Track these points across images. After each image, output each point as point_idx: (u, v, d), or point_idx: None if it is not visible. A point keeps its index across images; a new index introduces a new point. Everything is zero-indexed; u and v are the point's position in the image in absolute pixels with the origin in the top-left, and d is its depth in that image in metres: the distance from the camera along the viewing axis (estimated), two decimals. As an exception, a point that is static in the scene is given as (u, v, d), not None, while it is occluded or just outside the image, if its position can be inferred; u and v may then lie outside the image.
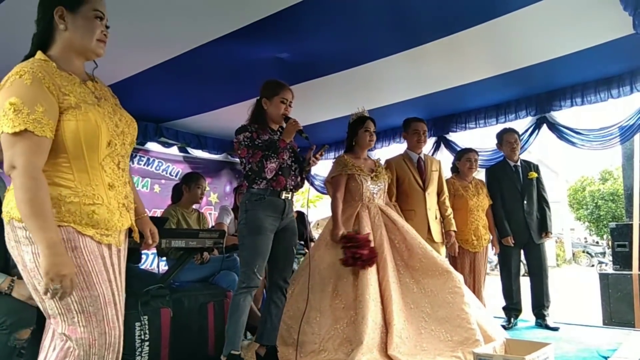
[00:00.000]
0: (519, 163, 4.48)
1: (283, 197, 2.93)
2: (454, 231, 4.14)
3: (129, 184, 1.77)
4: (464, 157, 4.55)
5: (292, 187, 2.99)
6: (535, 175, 4.45)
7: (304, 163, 3.06)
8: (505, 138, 4.48)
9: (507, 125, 4.89)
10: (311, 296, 3.25)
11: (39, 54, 1.58)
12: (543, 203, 4.44)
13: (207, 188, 4.61)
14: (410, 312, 3.15)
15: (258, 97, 3.08)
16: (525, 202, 4.35)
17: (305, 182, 3.37)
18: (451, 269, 3.33)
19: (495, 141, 4.69)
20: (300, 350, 3.04)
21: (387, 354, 2.86)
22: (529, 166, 4.51)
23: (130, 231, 1.78)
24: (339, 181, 3.57)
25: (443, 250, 4.11)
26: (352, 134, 3.70)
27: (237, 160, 4.97)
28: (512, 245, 4.32)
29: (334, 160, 3.80)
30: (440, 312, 3.10)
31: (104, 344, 1.51)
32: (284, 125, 2.99)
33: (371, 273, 3.20)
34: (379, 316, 3.05)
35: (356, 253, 3.19)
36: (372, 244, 3.26)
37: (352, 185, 3.57)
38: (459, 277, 3.28)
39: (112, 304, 1.56)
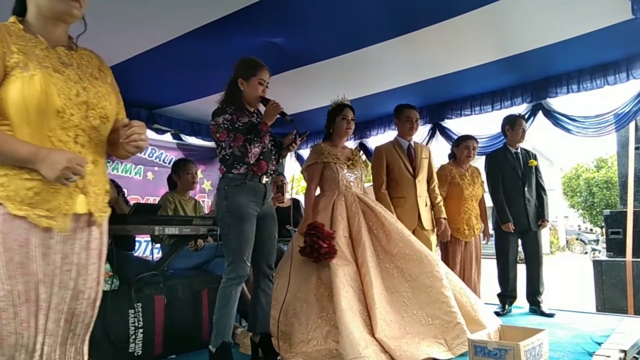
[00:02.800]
0: (519, 150, 4.47)
1: (264, 182, 2.85)
2: (444, 218, 4.14)
3: (98, 164, 1.58)
4: (462, 144, 4.52)
5: (272, 172, 2.92)
6: (535, 163, 4.45)
7: (282, 148, 2.99)
8: (518, 123, 4.45)
9: (503, 112, 4.87)
10: (296, 287, 3.25)
11: (12, 18, 1.52)
12: (541, 191, 4.44)
13: (201, 175, 4.58)
14: (391, 296, 3.14)
15: (232, 76, 2.91)
16: (525, 189, 4.35)
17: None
18: (428, 253, 3.34)
19: (494, 126, 4.66)
20: (289, 342, 3.03)
21: (374, 337, 2.84)
22: (528, 154, 4.50)
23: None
24: (314, 170, 3.56)
25: (433, 237, 4.11)
26: (330, 122, 3.67)
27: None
28: (512, 231, 4.32)
29: (310, 148, 3.78)
30: (420, 297, 3.10)
31: (13, 344, 1.37)
32: (260, 107, 2.89)
33: (340, 262, 3.18)
34: (355, 302, 3.03)
35: (316, 243, 3.17)
36: (334, 242, 3.24)
37: (328, 174, 3.56)
38: (436, 260, 3.30)
39: (29, 302, 1.40)
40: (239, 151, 2.73)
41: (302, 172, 3.81)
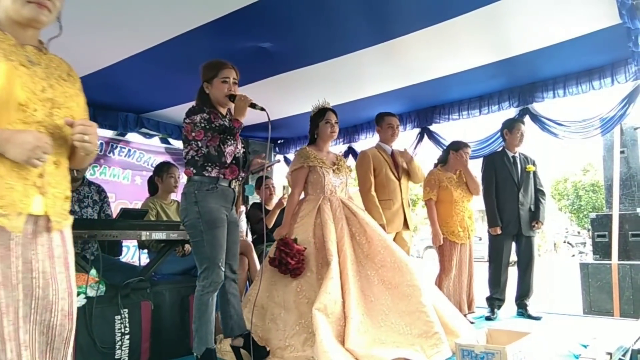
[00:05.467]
0: (517, 154, 4.49)
1: (232, 187, 2.83)
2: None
3: (60, 166, 1.51)
4: (462, 150, 4.46)
5: (241, 178, 2.90)
6: (532, 168, 4.45)
7: (246, 164, 2.98)
8: (516, 128, 4.46)
9: (491, 116, 4.91)
10: (274, 292, 3.24)
11: None
12: (539, 194, 4.45)
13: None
14: (370, 305, 3.12)
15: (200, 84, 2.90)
16: (520, 193, 4.37)
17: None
18: (409, 261, 3.32)
19: (487, 130, 4.69)
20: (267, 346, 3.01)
21: (345, 348, 2.82)
22: (526, 159, 4.51)
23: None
24: (299, 175, 3.53)
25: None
26: (313, 127, 3.64)
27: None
28: (499, 234, 4.34)
29: (295, 153, 3.77)
30: (400, 305, 3.07)
31: None
32: (231, 107, 2.85)
33: (334, 267, 3.16)
34: (339, 308, 3.01)
35: (284, 259, 3.17)
36: (303, 259, 3.22)
37: (314, 178, 3.52)
38: (416, 269, 3.27)
39: None
40: (215, 151, 2.70)
41: (286, 176, 3.78)
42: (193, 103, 4.75)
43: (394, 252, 3.31)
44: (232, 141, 2.71)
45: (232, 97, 2.81)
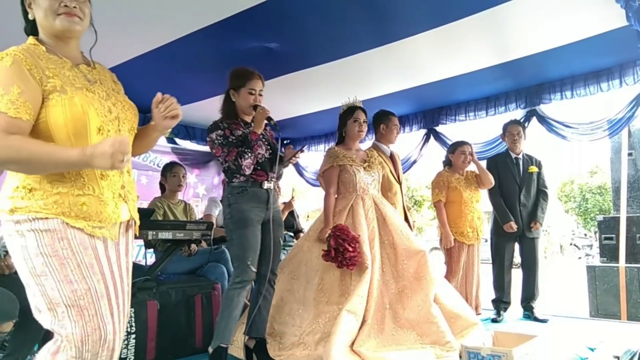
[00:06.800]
0: (520, 156, 4.46)
1: (265, 187, 2.87)
2: (413, 222, 4.13)
3: (129, 173, 1.68)
4: (458, 150, 4.49)
5: (273, 178, 2.92)
6: (535, 169, 4.42)
7: (283, 161, 3.00)
8: (508, 130, 4.46)
9: (497, 118, 4.89)
10: (295, 287, 3.22)
11: (30, 39, 1.55)
12: (540, 195, 4.41)
13: (195, 179, 4.55)
14: (384, 312, 3.12)
15: (227, 88, 2.95)
16: (522, 194, 4.35)
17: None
18: (428, 272, 3.22)
19: (489, 132, 4.69)
20: (280, 342, 3.02)
21: (352, 350, 2.82)
22: (530, 160, 4.48)
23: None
24: (331, 174, 3.48)
25: None
26: (342, 125, 3.60)
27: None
28: (515, 230, 4.31)
29: (324, 153, 3.74)
30: (411, 315, 3.07)
31: (98, 340, 1.42)
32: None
33: (369, 272, 3.11)
34: (363, 310, 3.01)
35: (341, 246, 3.05)
36: (358, 247, 3.12)
37: (345, 177, 3.48)
38: (433, 280, 3.20)
39: (104, 299, 1.46)
40: (234, 165, 2.75)
41: (318, 177, 3.72)
42: (200, 103, 4.82)
43: (417, 263, 3.25)
44: (250, 153, 2.75)
45: (254, 107, 2.86)
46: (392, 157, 4.12)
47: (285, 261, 3.46)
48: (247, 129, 2.86)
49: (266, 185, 2.87)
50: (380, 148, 4.08)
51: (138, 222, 1.71)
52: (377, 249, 3.30)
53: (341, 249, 3.06)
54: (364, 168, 3.52)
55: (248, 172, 2.77)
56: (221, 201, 2.90)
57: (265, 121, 2.83)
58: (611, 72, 4.23)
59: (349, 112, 3.56)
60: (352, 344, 2.86)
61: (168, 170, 4.20)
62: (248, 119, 2.93)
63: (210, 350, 2.75)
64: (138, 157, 5.83)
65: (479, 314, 4.22)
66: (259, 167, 2.84)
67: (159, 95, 1.67)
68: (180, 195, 4.29)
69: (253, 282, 2.95)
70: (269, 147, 2.94)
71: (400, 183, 4.06)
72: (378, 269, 3.22)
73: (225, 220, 2.86)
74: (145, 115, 5.87)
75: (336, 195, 3.53)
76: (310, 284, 3.22)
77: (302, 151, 3.10)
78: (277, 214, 3.00)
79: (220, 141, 2.77)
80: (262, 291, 2.93)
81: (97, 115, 1.50)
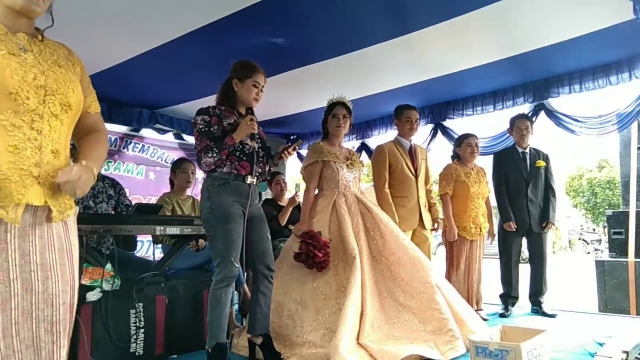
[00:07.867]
0: (527, 150, 4.43)
1: (248, 182, 2.79)
2: (441, 219, 4.20)
3: (58, 156, 1.47)
4: (464, 143, 4.46)
5: (257, 174, 2.85)
6: (542, 164, 4.40)
7: (274, 157, 2.96)
8: (517, 124, 4.44)
9: (505, 112, 4.86)
10: (291, 289, 3.23)
11: None
12: (549, 192, 4.39)
13: (203, 175, 4.55)
14: (383, 301, 3.12)
15: (228, 77, 2.89)
16: (529, 189, 4.33)
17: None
18: (422, 258, 3.30)
19: (496, 126, 4.66)
20: (284, 344, 3.01)
21: (358, 343, 2.82)
22: (538, 154, 4.45)
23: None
24: (314, 170, 3.49)
25: (432, 237, 4.14)
26: (324, 121, 3.62)
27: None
28: (514, 230, 4.30)
29: (308, 148, 3.73)
30: (412, 302, 3.06)
31: None
32: (253, 107, 2.86)
33: (359, 262, 3.16)
34: (359, 302, 3.02)
35: (311, 252, 3.13)
36: (329, 251, 3.19)
37: (328, 173, 3.49)
38: (430, 266, 3.26)
39: None
40: (201, 153, 2.69)
41: (301, 171, 3.76)
42: (206, 99, 4.81)
43: (407, 248, 3.30)
44: (217, 154, 2.65)
45: (249, 110, 2.83)
46: (410, 152, 4.12)
47: (277, 264, 3.45)
48: (239, 119, 2.80)
49: (249, 179, 2.79)
50: (400, 142, 4.14)
51: (61, 213, 1.47)
52: (364, 241, 3.32)
53: (311, 255, 3.14)
54: (347, 165, 3.55)
55: (205, 168, 2.71)
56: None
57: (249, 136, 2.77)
58: (620, 65, 4.19)
59: (329, 108, 3.58)
60: (357, 337, 2.86)
61: (177, 166, 4.23)
62: (242, 110, 2.89)
63: (209, 349, 2.70)
64: (145, 153, 5.86)
65: (481, 309, 4.21)
66: (244, 158, 2.77)
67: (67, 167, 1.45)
68: (189, 191, 4.31)
69: (253, 282, 2.94)
70: (259, 139, 2.89)
71: (416, 177, 4.05)
72: (367, 259, 3.25)
73: (203, 213, 2.73)
74: (152, 112, 5.89)
75: (316, 192, 3.56)
76: (305, 284, 3.22)
77: (299, 144, 3.04)
78: (258, 210, 2.94)
79: (199, 127, 2.70)
80: (261, 288, 2.90)
81: (10, 78, 1.35)
